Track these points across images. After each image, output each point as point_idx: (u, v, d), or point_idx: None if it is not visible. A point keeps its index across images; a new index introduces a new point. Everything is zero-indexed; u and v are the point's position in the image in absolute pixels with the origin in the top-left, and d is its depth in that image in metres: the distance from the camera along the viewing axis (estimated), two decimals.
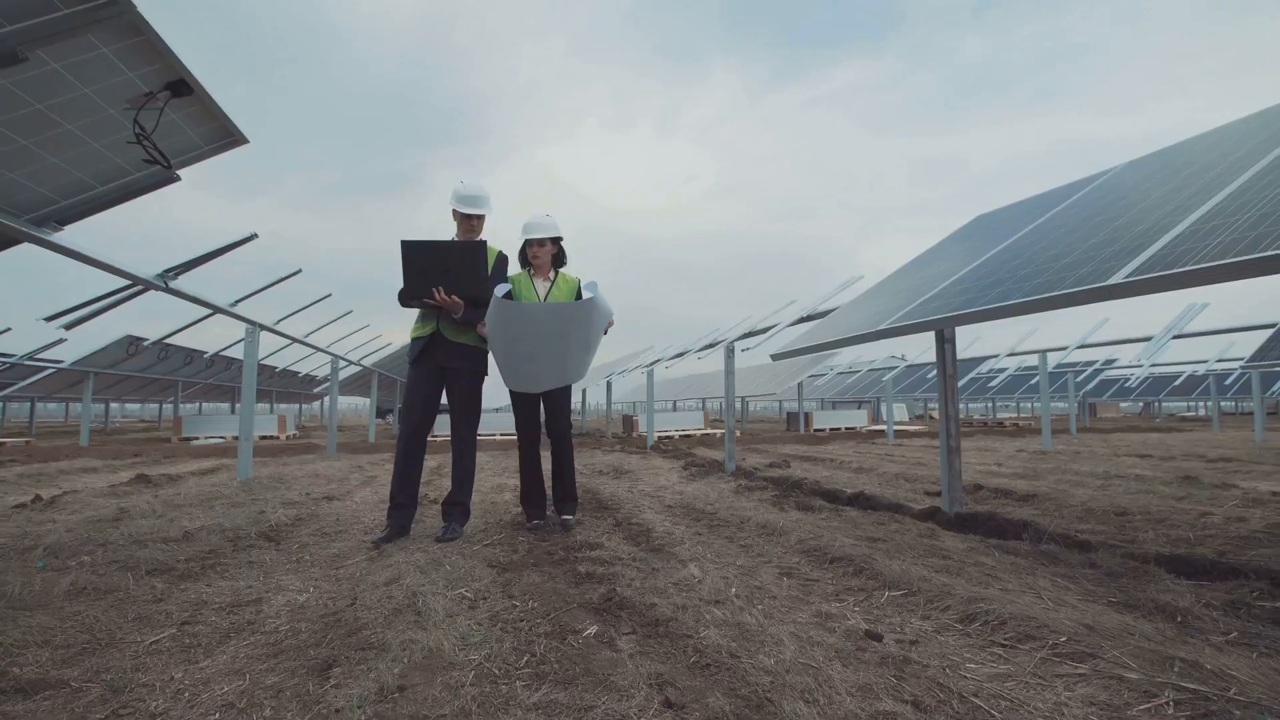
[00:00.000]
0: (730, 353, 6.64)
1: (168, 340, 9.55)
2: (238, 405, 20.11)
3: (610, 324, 3.38)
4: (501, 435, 12.57)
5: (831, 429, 15.61)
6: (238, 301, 4.97)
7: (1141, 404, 36.08)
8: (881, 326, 3.09)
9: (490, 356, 3.34)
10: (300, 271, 6.43)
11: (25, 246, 2.95)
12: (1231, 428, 15.60)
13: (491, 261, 3.26)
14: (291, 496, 4.55)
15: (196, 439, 12.52)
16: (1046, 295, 2.09)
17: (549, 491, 3.60)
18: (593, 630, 1.84)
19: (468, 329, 3.20)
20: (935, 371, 15.71)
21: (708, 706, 1.37)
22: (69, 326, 3.96)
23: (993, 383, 15.52)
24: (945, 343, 3.56)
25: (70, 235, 3.07)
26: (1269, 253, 1.69)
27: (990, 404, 21.86)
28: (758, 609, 2.04)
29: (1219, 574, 2.24)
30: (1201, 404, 36.69)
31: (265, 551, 2.91)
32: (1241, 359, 9.60)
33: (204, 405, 29.10)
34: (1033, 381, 19.01)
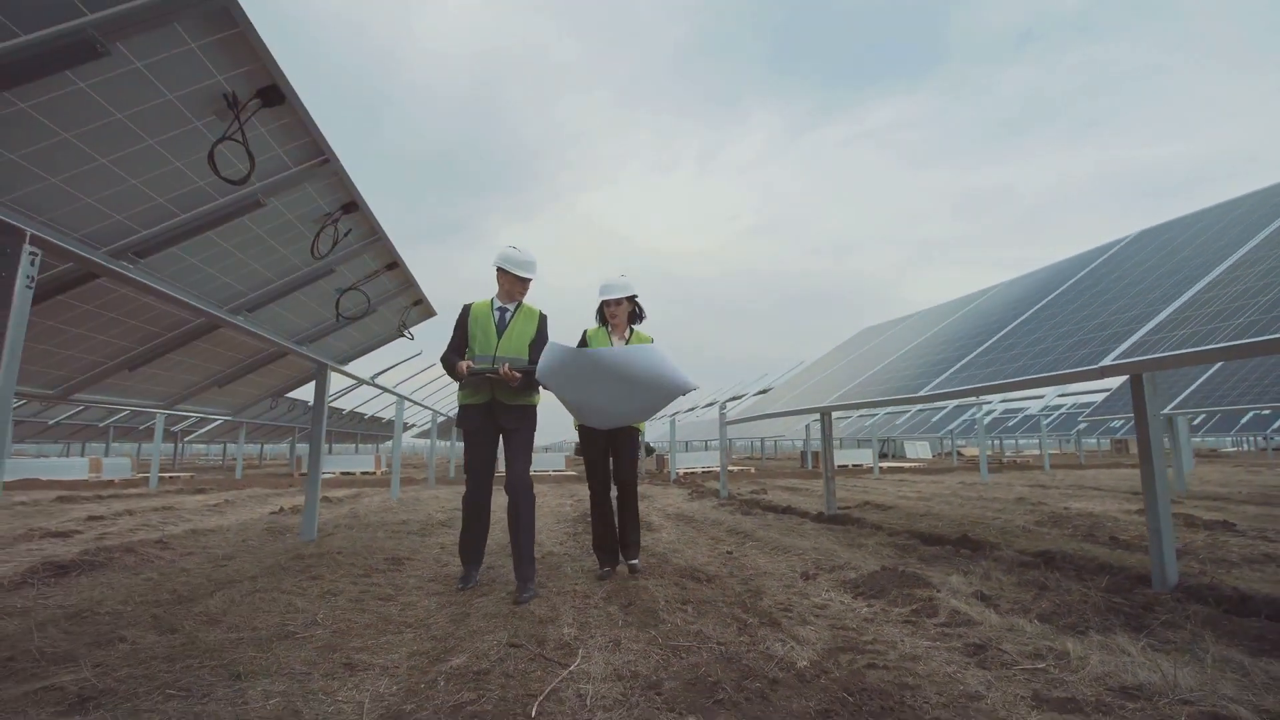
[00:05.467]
0: (722, 409, 9.22)
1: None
2: (335, 445, 23.46)
3: (687, 391, 3.24)
4: (554, 472, 15.32)
5: (840, 465, 17.79)
6: (398, 384, 7.86)
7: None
8: (773, 411, 5.66)
9: (545, 405, 3.52)
10: (421, 354, 9.33)
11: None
12: (1212, 461, 17.08)
13: (535, 323, 3.43)
14: (435, 508, 7.31)
15: None
16: (857, 401, 4.64)
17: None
18: None
19: (520, 392, 3.32)
20: (969, 414, 17.47)
21: (648, 557, 3.96)
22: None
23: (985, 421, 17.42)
24: (825, 417, 6.08)
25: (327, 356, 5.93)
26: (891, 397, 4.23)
27: (998, 442, 23.51)
28: (687, 544, 4.60)
29: (914, 535, 4.68)
30: (1224, 439, 36.76)
31: (450, 530, 5.60)
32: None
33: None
34: (1047, 420, 20.73)
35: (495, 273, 3.39)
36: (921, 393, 3.65)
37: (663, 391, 3.17)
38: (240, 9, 1.88)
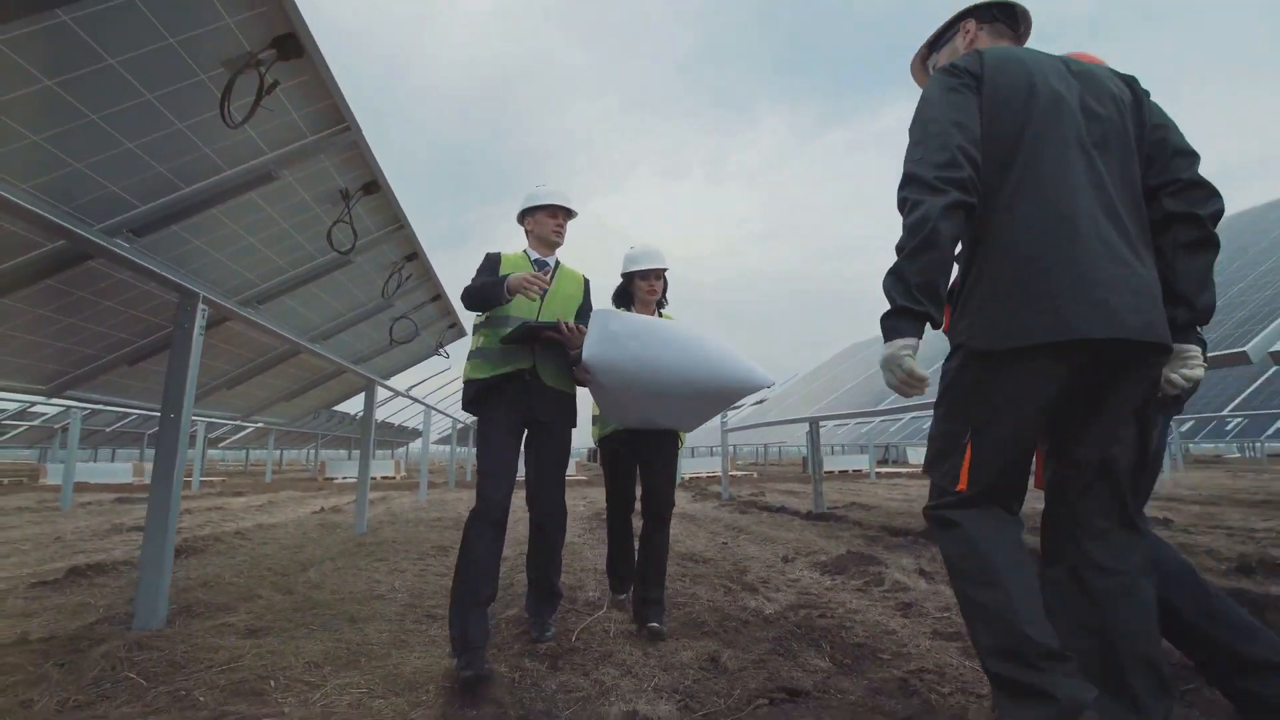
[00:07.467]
0: (724, 417, 9.93)
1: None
2: (354, 452, 24.30)
3: (762, 387, 2.52)
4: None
5: (840, 470, 18.47)
6: (426, 394, 8.65)
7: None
8: (766, 420, 6.37)
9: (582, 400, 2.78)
10: (449, 369, 10.13)
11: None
12: (1209, 467, 17.62)
13: (581, 287, 2.73)
14: (463, 508, 8.05)
15: (336, 478, 16.47)
16: (831, 413, 5.35)
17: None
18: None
19: (565, 371, 2.57)
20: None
21: None
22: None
23: None
24: (812, 426, 6.79)
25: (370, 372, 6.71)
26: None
27: None
28: (689, 537, 5.33)
29: (885, 529, 5.39)
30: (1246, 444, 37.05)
31: None
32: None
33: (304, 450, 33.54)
34: None
35: (523, 220, 2.65)
36: (880, 407, 4.37)
37: (735, 388, 2.49)
38: (366, 143, 2.66)
